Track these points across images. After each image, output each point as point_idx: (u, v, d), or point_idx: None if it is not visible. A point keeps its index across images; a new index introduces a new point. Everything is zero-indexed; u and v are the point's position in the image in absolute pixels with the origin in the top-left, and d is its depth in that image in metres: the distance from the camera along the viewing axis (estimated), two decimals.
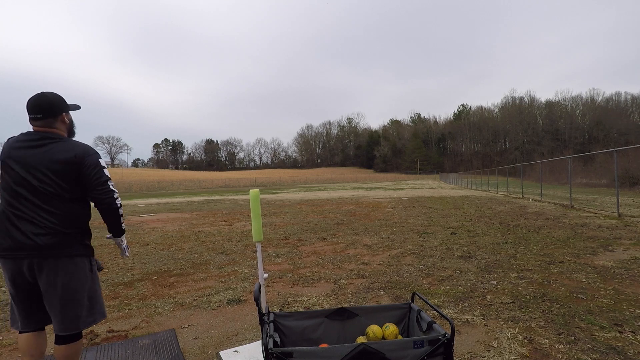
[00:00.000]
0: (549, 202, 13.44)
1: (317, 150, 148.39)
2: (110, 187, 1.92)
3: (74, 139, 2.02)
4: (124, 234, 2.09)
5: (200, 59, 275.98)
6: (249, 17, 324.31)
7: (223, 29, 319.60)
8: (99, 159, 1.93)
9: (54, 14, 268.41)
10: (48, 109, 1.86)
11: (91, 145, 1.95)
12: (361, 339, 1.90)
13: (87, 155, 1.89)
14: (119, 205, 1.95)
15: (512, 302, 3.24)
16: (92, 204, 2.00)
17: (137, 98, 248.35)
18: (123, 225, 2.04)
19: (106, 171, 1.93)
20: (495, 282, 3.84)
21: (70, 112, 2.04)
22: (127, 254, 2.17)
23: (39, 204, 1.79)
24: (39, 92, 1.88)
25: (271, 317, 1.90)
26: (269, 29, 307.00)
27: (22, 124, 2.11)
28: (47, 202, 1.80)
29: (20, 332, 1.90)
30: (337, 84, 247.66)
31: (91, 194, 1.90)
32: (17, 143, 1.84)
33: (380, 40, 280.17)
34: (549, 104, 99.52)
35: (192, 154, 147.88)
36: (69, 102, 1.99)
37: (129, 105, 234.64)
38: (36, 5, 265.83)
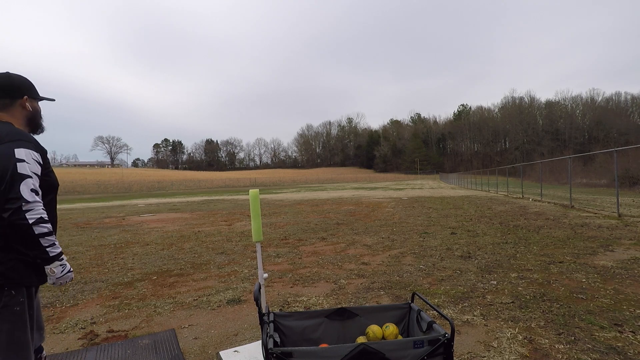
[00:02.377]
0: (549, 202, 13.43)
1: (317, 150, 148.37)
2: (20, 193, 1.32)
3: (35, 133, 1.67)
4: (57, 262, 1.44)
5: (200, 59, 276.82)
6: (249, 18, 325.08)
7: (223, 29, 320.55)
8: (17, 149, 1.38)
9: (54, 15, 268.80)
10: (6, 89, 1.57)
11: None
12: (361, 339, 1.90)
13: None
14: (30, 222, 1.32)
15: (512, 302, 3.24)
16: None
17: (137, 98, 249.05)
18: (51, 249, 1.40)
19: (25, 167, 1.37)
20: (495, 282, 3.84)
21: (41, 103, 1.72)
22: (58, 280, 1.46)
23: None
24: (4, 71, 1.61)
25: (271, 317, 1.90)
26: (269, 29, 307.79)
27: None
28: None
29: None
30: (337, 84, 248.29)
31: None
32: None
33: (380, 40, 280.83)
34: (549, 104, 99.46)
35: (192, 154, 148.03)
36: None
37: (129, 105, 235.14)
38: (36, 6, 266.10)
